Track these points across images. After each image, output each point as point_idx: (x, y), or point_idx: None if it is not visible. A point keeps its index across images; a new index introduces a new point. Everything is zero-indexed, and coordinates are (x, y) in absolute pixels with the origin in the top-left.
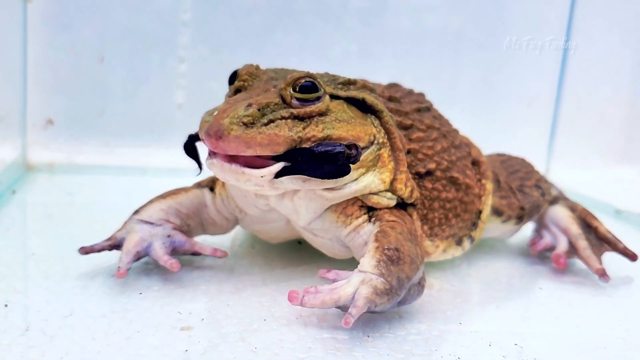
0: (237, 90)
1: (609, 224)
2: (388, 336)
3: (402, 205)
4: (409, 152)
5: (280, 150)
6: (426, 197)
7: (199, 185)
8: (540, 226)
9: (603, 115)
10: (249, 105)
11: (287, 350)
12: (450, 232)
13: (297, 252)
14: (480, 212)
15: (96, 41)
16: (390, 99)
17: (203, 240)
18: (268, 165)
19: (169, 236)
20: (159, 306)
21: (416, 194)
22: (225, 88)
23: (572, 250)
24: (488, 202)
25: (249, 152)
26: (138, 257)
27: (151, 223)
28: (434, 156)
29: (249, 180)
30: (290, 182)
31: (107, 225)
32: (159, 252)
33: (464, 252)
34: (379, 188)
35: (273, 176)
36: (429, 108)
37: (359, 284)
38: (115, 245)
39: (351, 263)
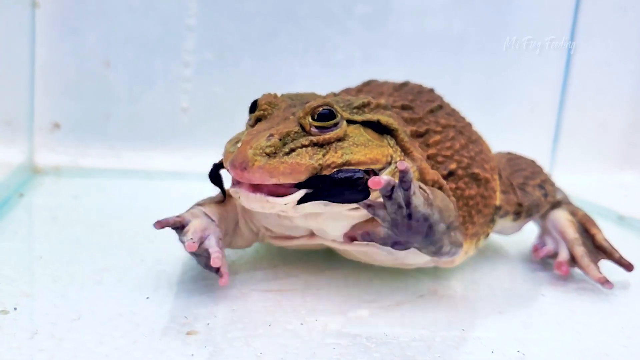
0: (258, 119)
1: (611, 230)
2: (391, 342)
3: None
4: (428, 157)
5: (302, 178)
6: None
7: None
8: (544, 232)
9: (606, 121)
10: (271, 135)
11: (291, 356)
12: (472, 230)
13: (301, 257)
14: (497, 207)
15: (102, 46)
16: (403, 107)
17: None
18: (291, 192)
19: (220, 239)
20: (165, 310)
21: None
22: (230, 92)
23: (571, 257)
24: (498, 196)
25: (273, 181)
26: (200, 241)
27: (212, 220)
28: (453, 155)
29: (273, 208)
30: (312, 207)
31: (112, 229)
32: (213, 242)
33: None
34: None
35: (296, 203)
36: (441, 106)
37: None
38: (181, 225)
39: (380, 271)
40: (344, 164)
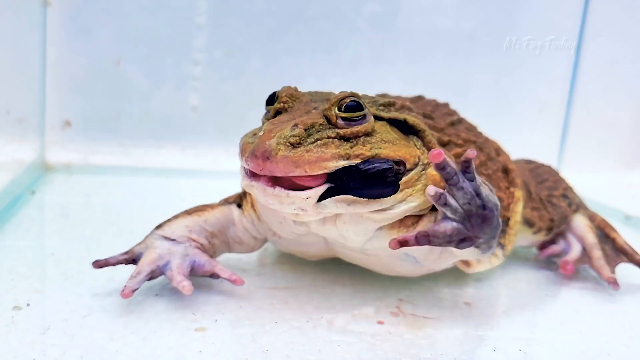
0: (277, 112)
1: (617, 230)
2: (395, 340)
3: None
4: None
5: (329, 166)
6: None
7: (226, 201)
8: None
9: (614, 121)
10: (295, 125)
11: (297, 352)
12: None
13: None
14: (507, 219)
15: (113, 44)
16: (425, 116)
17: (226, 258)
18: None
19: (187, 255)
20: (174, 307)
21: None
22: (239, 91)
23: (584, 259)
24: (517, 210)
25: (298, 172)
26: (152, 276)
27: (173, 240)
28: None
29: (293, 204)
30: (334, 205)
31: (122, 226)
32: (174, 271)
33: (500, 261)
34: (430, 206)
35: (317, 198)
36: (460, 120)
37: None
38: (131, 259)
39: (392, 280)
40: (372, 157)
